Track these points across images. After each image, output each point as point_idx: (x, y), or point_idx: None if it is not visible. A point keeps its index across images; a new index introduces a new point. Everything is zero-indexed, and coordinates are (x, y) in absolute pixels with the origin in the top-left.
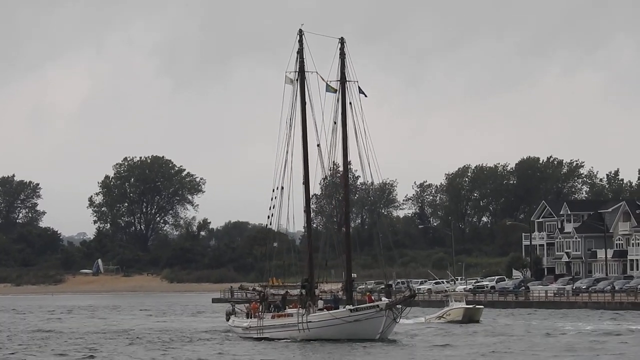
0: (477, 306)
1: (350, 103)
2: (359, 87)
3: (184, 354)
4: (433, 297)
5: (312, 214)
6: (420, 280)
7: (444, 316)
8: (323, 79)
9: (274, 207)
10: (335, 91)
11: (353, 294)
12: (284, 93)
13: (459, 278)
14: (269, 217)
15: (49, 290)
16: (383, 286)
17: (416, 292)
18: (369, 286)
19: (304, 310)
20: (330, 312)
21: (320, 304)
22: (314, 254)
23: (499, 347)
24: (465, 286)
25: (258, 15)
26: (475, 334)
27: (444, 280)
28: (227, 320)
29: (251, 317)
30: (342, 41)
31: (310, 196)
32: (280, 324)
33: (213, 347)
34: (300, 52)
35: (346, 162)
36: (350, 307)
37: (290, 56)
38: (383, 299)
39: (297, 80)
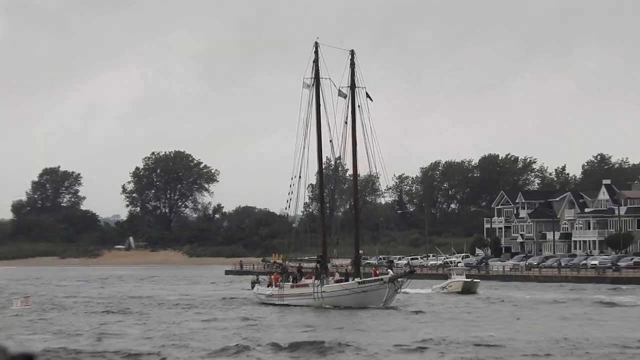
0: (474, 280)
1: (359, 106)
2: (366, 92)
3: None
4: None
5: (309, 201)
6: (398, 256)
7: (447, 287)
8: (335, 85)
9: (292, 193)
10: (345, 96)
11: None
12: (302, 96)
13: (431, 255)
14: (287, 201)
15: (89, 263)
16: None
17: (415, 269)
18: None
19: (319, 281)
20: (341, 283)
21: (337, 276)
22: (312, 233)
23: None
24: (436, 262)
25: (280, 26)
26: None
27: (418, 257)
28: (252, 288)
29: (273, 286)
30: (352, 53)
31: (313, 185)
32: (299, 293)
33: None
34: (315, 61)
35: (355, 157)
36: (359, 279)
37: (307, 65)
38: (389, 271)
39: (313, 85)
